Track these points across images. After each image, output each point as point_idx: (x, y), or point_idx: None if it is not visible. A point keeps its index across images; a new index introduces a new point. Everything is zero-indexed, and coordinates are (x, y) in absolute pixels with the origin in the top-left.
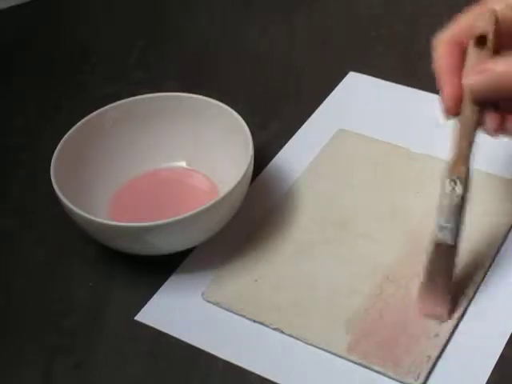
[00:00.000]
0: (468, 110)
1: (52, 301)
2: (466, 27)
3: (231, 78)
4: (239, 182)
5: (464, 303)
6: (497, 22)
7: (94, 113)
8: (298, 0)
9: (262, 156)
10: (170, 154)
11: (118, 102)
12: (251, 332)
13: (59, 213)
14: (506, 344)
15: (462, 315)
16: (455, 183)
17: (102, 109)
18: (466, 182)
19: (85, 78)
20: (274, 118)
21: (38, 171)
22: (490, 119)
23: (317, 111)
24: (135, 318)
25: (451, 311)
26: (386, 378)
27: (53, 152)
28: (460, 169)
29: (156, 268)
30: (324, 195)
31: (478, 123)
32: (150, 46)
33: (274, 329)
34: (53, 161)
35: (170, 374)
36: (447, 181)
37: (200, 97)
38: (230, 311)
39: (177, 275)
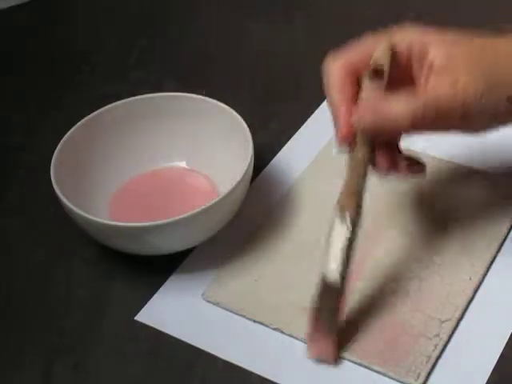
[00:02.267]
0: (359, 146)
1: (52, 301)
2: (362, 56)
3: (231, 78)
4: (239, 182)
5: (464, 303)
6: (394, 55)
7: (94, 113)
8: (298, 0)
9: (262, 156)
10: (170, 153)
11: (118, 102)
12: (251, 332)
13: (59, 213)
14: (506, 344)
15: (462, 315)
16: (344, 222)
17: (101, 109)
18: (355, 221)
19: (85, 78)
20: (273, 118)
21: (38, 171)
22: (381, 158)
23: (317, 111)
24: (135, 318)
25: (335, 353)
26: (386, 378)
27: (53, 152)
28: (350, 207)
29: (156, 268)
30: (324, 195)
31: (369, 161)
32: (150, 46)
33: (274, 329)
34: (53, 161)
35: (169, 374)
36: (336, 220)
37: (200, 97)
38: (230, 311)
39: (177, 275)
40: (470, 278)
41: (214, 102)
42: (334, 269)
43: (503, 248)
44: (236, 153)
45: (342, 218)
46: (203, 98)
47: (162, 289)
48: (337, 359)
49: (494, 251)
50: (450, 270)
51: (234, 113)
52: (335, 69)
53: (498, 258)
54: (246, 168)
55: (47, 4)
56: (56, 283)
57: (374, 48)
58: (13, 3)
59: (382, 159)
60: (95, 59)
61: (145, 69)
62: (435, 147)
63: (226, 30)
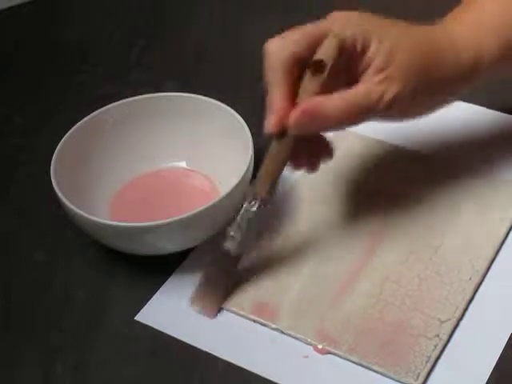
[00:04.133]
0: (285, 137)
1: (52, 301)
2: (305, 46)
3: (231, 78)
4: (239, 182)
5: (464, 303)
6: (339, 48)
7: (94, 113)
8: (298, 0)
9: (262, 156)
10: (170, 154)
11: (118, 102)
12: (251, 332)
13: (59, 213)
14: (506, 344)
15: (462, 315)
16: (254, 201)
17: (102, 109)
18: (263, 201)
19: (85, 78)
20: None
21: (38, 171)
22: (300, 154)
23: None
24: (135, 318)
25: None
26: (385, 378)
27: (53, 152)
28: (262, 188)
29: (156, 268)
30: (324, 195)
31: (290, 152)
32: (149, 46)
33: (274, 329)
34: (53, 161)
35: (169, 374)
36: (248, 197)
37: (200, 97)
38: (232, 311)
39: (177, 275)
40: (470, 278)
41: (214, 102)
42: (235, 240)
43: (503, 248)
44: (236, 153)
45: (254, 197)
46: (203, 98)
47: (161, 289)
48: (215, 315)
49: (494, 251)
50: (450, 270)
51: (234, 113)
52: (278, 55)
53: (498, 258)
54: (246, 168)
55: (47, 4)
56: (56, 283)
57: (318, 38)
58: (13, 3)
59: (299, 154)
60: (95, 59)
61: (145, 69)
62: (434, 147)
63: (225, 30)
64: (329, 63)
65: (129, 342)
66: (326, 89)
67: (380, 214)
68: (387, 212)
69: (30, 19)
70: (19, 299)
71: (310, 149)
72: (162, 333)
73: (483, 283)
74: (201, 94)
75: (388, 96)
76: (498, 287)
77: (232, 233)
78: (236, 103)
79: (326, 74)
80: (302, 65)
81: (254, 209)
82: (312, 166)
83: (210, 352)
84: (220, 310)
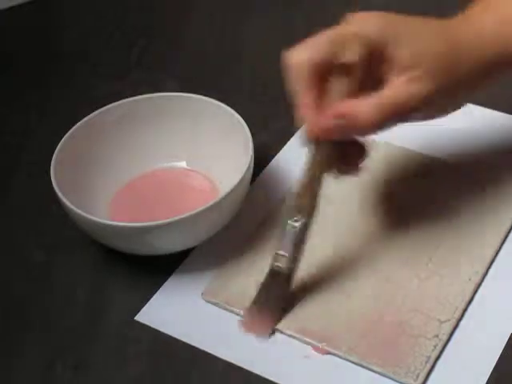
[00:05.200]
0: (320, 147)
1: (52, 301)
2: (329, 52)
3: (231, 78)
4: (239, 182)
5: (463, 304)
6: (365, 47)
7: (94, 113)
8: (298, 0)
9: (262, 156)
10: (170, 154)
11: (118, 102)
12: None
13: (59, 213)
14: (506, 344)
15: (462, 315)
16: (298, 216)
17: (102, 109)
18: (308, 216)
19: (85, 78)
20: (274, 118)
21: (38, 171)
22: (341, 161)
23: None
24: (135, 318)
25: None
26: (385, 379)
27: (53, 152)
28: (304, 202)
29: (156, 268)
30: (324, 195)
31: (330, 162)
32: (149, 46)
33: (275, 328)
34: (53, 161)
35: (170, 374)
36: (291, 213)
37: (200, 97)
38: (230, 311)
39: (177, 275)
40: (470, 279)
41: (214, 102)
42: (285, 258)
43: (503, 248)
44: (236, 153)
45: (297, 211)
46: (203, 98)
47: (162, 289)
48: (269, 334)
49: (493, 252)
50: (450, 271)
51: (234, 113)
52: (301, 64)
53: (497, 259)
54: (246, 168)
55: (47, 4)
56: (56, 283)
57: (341, 42)
58: (13, 3)
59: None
60: (95, 59)
61: (145, 69)
62: (433, 147)
63: (225, 30)
64: (357, 65)
65: (129, 342)
66: (353, 92)
67: (380, 214)
68: (387, 212)
69: (30, 19)
70: (19, 299)
71: (347, 153)
72: (162, 333)
73: (483, 284)
74: (201, 94)
75: (422, 94)
76: (498, 288)
77: (281, 252)
78: (236, 103)
79: (357, 74)
80: (326, 70)
81: (299, 224)
82: (353, 170)
83: (210, 352)
84: (215, 304)
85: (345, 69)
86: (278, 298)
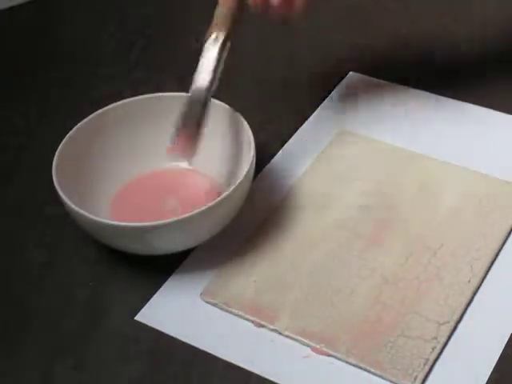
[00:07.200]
0: None
1: (52, 301)
2: None
3: (231, 78)
4: (240, 183)
5: (462, 306)
6: None
7: (95, 113)
8: None
9: (262, 156)
10: (171, 154)
11: (119, 102)
12: (251, 332)
13: (59, 213)
14: (506, 344)
15: (461, 318)
16: (216, 44)
17: (102, 109)
18: (223, 42)
19: (85, 78)
20: (274, 118)
21: (38, 171)
22: None
23: (317, 111)
24: (135, 318)
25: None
26: (383, 380)
27: (53, 152)
28: (221, 32)
29: (156, 268)
30: (324, 195)
31: None
32: (149, 46)
33: (273, 329)
34: (54, 161)
35: (170, 374)
36: (209, 40)
37: None
38: (230, 311)
39: (177, 275)
40: (469, 281)
41: (215, 101)
42: (202, 78)
43: (502, 250)
44: (237, 153)
45: (215, 40)
46: None
47: (161, 289)
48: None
49: (493, 254)
50: (449, 273)
51: (234, 113)
52: None
53: (497, 261)
54: (247, 168)
55: (47, 4)
56: (56, 283)
57: None
58: (13, 3)
59: None
60: (95, 59)
61: (145, 69)
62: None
63: None
64: None
65: (129, 342)
66: None
67: (379, 215)
68: (386, 213)
69: (30, 19)
70: (19, 299)
71: None
72: (162, 333)
73: (482, 286)
74: None
75: None
76: (497, 289)
77: (203, 75)
78: (236, 103)
79: None
80: None
81: (216, 52)
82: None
83: (210, 352)
84: (214, 304)
85: None
86: (198, 124)
